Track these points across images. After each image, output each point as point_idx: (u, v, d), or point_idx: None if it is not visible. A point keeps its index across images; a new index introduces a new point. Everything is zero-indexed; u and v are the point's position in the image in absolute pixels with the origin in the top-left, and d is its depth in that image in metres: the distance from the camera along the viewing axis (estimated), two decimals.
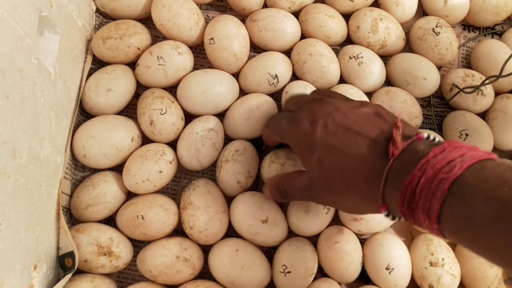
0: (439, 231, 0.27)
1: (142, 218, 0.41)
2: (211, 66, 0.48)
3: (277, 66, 0.46)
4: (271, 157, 0.44)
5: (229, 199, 0.44)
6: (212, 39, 0.46)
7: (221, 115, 0.47)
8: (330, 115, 0.34)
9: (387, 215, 0.31)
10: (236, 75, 0.48)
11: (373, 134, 0.32)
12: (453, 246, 0.46)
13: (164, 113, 0.43)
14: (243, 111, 0.45)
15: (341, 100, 0.36)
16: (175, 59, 0.45)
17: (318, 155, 0.34)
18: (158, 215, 0.42)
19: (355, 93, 0.46)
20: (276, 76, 0.46)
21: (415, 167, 0.27)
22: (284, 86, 0.47)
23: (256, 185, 0.46)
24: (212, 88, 0.45)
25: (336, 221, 0.45)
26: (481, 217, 0.24)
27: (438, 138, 0.30)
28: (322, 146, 0.33)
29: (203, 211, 0.42)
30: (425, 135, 0.30)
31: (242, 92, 0.47)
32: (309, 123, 0.35)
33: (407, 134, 0.31)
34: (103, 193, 0.42)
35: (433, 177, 0.27)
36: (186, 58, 0.46)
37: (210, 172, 0.46)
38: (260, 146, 0.46)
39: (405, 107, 0.46)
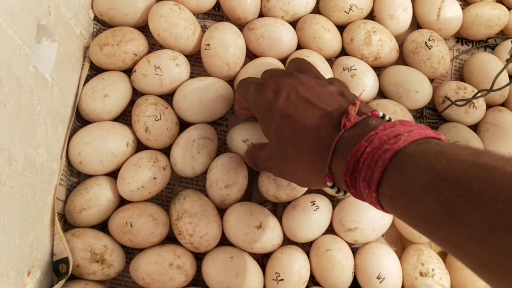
0: (377, 201, 0.28)
1: (131, 225, 0.42)
2: (207, 74, 0.49)
3: None
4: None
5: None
6: (208, 45, 0.46)
7: (216, 123, 0.47)
8: (295, 87, 0.35)
9: (332, 187, 0.32)
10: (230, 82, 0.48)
11: (331, 108, 0.33)
12: (443, 256, 0.46)
13: (158, 119, 0.44)
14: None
15: (310, 76, 0.38)
16: (172, 70, 0.45)
17: (276, 124, 0.35)
18: (147, 224, 0.42)
19: None
20: None
21: (363, 138, 0.29)
22: None
23: (249, 195, 0.47)
24: (209, 96, 0.45)
25: (330, 231, 0.46)
26: (416, 186, 0.25)
27: (394, 119, 0.31)
28: (281, 116, 0.35)
29: (200, 216, 0.42)
30: (381, 113, 0.32)
31: None
32: (273, 92, 0.36)
33: (363, 112, 0.32)
34: (97, 196, 0.42)
35: (378, 148, 0.27)
36: (183, 70, 0.46)
37: (204, 181, 0.47)
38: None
39: (396, 117, 0.46)
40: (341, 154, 0.30)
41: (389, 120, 0.31)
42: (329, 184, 0.32)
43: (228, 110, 0.47)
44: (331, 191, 0.46)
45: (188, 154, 0.43)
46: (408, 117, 0.47)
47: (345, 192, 0.33)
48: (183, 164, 0.44)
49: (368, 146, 0.28)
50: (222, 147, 0.47)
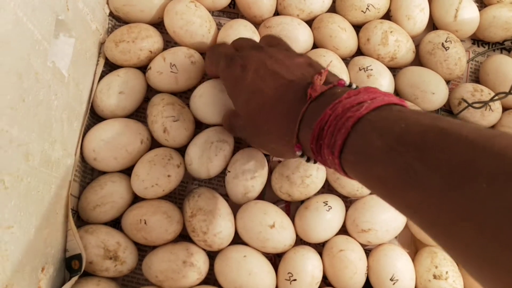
0: (340, 166, 0.29)
1: (145, 222, 0.42)
2: None
3: None
4: None
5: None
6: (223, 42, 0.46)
7: None
8: (263, 61, 0.36)
9: (301, 156, 0.33)
10: None
11: (298, 79, 0.33)
12: None
13: (176, 120, 0.44)
14: None
15: (279, 49, 0.38)
16: (187, 67, 0.45)
17: (245, 98, 0.36)
18: (161, 221, 0.42)
19: None
20: None
21: (328, 107, 0.29)
22: None
23: (262, 194, 0.46)
24: (225, 96, 0.45)
25: (343, 232, 0.45)
26: (376, 151, 0.26)
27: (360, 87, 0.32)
28: (249, 89, 0.36)
29: (215, 214, 0.42)
30: (347, 82, 0.32)
31: None
32: (241, 68, 0.37)
33: (330, 81, 0.32)
34: (111, 193, 0.42)
35: (341, 115, 0.28)
36: (198, 67, 0.46)
37: (217, 179, 0.46)
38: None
39: None
40: (308, 124, 0.31)
41: (356, 88, 0.31)
42: (298, 153, 0.33)
43: None
44: (345, 192, 0.46)
45: (205, 156, 0.43)
46: None
47: (315, 161, 0.33)
48: (199, 165, 0.43)
49: (332, 114, 0.29)
50: (235, 151, 0.46)
